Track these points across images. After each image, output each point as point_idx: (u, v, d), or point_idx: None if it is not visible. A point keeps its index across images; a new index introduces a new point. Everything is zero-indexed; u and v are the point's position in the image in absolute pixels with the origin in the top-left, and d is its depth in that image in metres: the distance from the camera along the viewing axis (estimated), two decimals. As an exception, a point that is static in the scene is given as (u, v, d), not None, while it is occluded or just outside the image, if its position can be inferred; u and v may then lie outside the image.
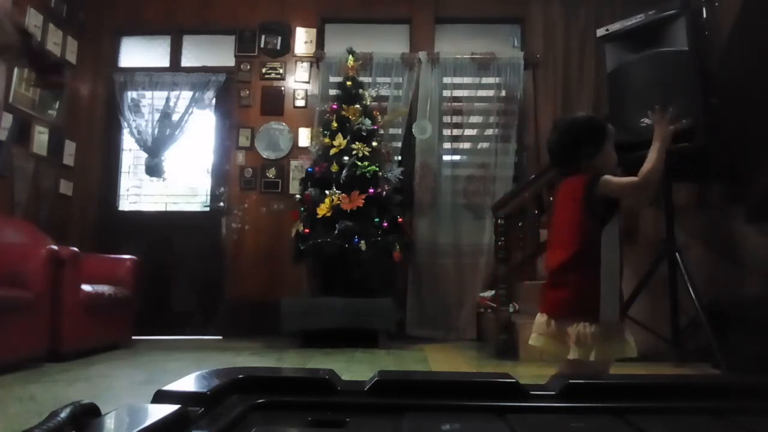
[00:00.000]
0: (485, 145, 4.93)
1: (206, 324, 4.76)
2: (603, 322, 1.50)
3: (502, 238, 3.69)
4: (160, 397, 0.56)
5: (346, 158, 4.21)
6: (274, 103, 5.02)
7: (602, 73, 3.83)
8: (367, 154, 4.23)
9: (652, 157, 1.60)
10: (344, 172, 4.17)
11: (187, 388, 0.60)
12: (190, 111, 4.95)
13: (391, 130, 4.93)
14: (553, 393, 0.63)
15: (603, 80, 3.86)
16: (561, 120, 1.84)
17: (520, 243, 3.80)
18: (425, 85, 4.90)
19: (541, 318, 1.63)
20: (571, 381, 0.64)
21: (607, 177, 1.58)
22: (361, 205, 4.08)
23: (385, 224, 4.15)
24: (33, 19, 4.19)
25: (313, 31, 5.09)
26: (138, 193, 5.07)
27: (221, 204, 4.95)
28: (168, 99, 4.97)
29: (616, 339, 1.52)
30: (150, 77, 5.00)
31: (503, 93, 4.93)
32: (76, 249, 3.45)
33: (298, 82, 5.05)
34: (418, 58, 4.94)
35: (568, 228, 1.64)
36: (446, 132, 4.96)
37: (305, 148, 4.84)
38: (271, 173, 4.94)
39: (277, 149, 4.97)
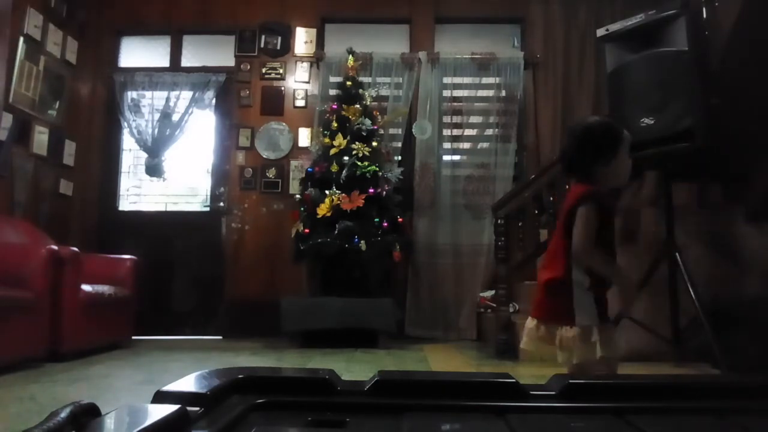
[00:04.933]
0: (485, 145, 4.93)
1: (206, 324, 4.75)
2: (579, 325, 1.55)
3: (502, 238, 3.69)
4: (160, 397, 0.56)
5: (346, 158, 4.21)
6: (274, 103, 5.02)
7: (602, 73, 3.83)
8: (367, 154, 4.23)
9: (607, 271, 1.57)
10: (344, 172, 4.17)
11: (187, 388, 0.60)
12: (190, 111, 4.95)
13: (391, 130, 4.93)
14: (553, 393, 0.63)
15: (603, 80, 3.85)
16: (576, 125, 1.77)
17: (520, 243, 3.81)
18: (425, 85, 4.89)
19: (531, 322, 1.66)
20: (571, 381, 0.64)
21: (583, 210, 1.55)
22: (361, 205, 4.08)
23: (385, 224, 4.15)
24: (33, 19, 4.18)
25: (313, 31, 5.09)
26: (138, 193, 5.07)
27: (221, 204, 4.95)
28: (168, 99, 4.96)
29: (594, 341, 1.53)
30: (150, 77, 5.00)
31: (503, 93, 4.92)
32: (76, 249, 3.46)
33: (298, 82, 5.05)
34: (418, 58, 4.93)
35: (556, 236, 1.68)
36: (446, 132, 4.95)
37: (305, 148, 4.85)
38: (271, 173, 4.94)
39: (277, 149, 4.97)
